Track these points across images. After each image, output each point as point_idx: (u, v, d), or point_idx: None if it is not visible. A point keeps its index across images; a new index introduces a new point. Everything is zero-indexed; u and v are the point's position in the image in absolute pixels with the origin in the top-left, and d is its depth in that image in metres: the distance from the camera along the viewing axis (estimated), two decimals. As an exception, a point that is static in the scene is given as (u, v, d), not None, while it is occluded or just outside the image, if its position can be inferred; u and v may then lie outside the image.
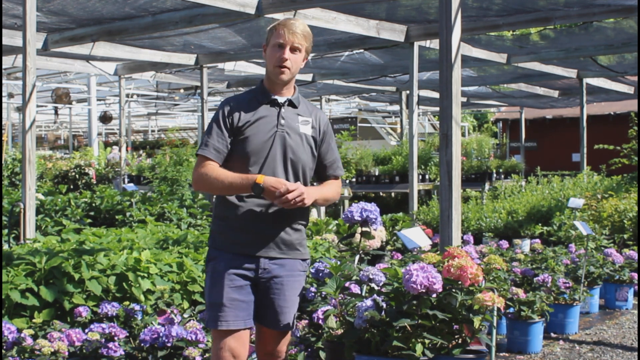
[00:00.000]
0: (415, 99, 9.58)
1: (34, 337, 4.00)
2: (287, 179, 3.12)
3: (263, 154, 3.11)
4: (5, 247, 6.30)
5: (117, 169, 14.32)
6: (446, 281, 3.18)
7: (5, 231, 6.81)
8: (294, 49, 3.11)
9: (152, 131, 30.72)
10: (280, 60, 3.09)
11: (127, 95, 19.00)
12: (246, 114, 3.12)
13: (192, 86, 16.42)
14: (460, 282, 3.17)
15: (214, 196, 3.22)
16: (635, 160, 11.63)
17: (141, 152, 23.46)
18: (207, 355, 4.09)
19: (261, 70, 12.30)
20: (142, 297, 4.83)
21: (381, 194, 15.91)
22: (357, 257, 3.94)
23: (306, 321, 4.36)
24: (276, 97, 3.17)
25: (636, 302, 7.08)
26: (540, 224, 8.99)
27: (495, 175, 14.13)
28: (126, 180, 13.56)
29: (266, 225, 3.11)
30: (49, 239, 6.04)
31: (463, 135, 24.04)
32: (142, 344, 3.89)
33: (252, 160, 3.10)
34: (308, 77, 13.76)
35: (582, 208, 8.55)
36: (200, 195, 10.08)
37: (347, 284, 3.80)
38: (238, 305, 3.06)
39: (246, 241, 3.10)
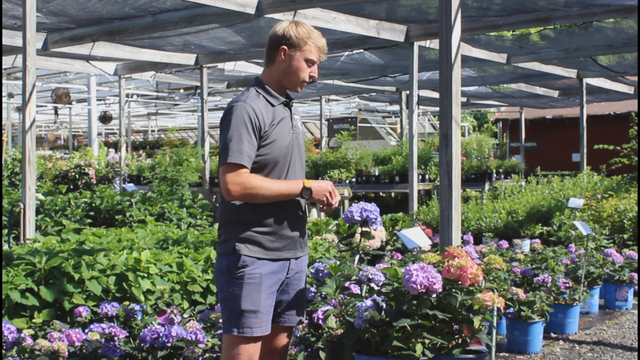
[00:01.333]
0: (415, 99, 9.58)
1: (34, 337, 4.01)
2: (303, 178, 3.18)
3: (288, 157, 3.11)
4: (5, 247, 6.31)
5: (116, 169, 14.32)
6: (446, 281, 3.18)
7: (5, 231, 6.81)
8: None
9: (152, 131, 30.71)
10: (311, 77, 3.14)
11: (127, 95, 18.99)
12: (268, 117, 3.06)
13: (192, 86, 16.42)
14: (460, 282, 3.17)
15: (230, 201, 3.11)
16: (635, 160, 11.63)
17: (141, 152, 23.47)
18: (207, 355, 4.09)
19: (261, 70, 12.30)
20: (142, 297, 4.84)
21: (381, 194, 15.91)
22: (357, 257, 3.94)
23: (306, 321, 4.36)
24: (285, 99, 3.17)
25: (636, 302, 7.07)
26: (540, 224, 8.99)
27: (495, 175, 14.12)
28: (126, 180, 13.56)
29: (293, 227, 3.12)
30: (49, 239, 6.04)
31: (463, 135, 24.04)
32: (142, 344, 3.89)
33: (280, 163, 3.07)
34: (308, 77, 13.75)
35: (582, 208, 8.55)
36: (200, 195, 10.09)
37: (347, 284, 3.81)
38: (269, 311, 3.07)
39: (281, 246, 3.09)
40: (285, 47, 3.09)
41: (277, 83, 3.15)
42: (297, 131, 3.19)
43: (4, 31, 8.81)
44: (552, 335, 5.85)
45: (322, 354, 4.09)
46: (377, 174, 14.18)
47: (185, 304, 5.07)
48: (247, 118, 2.98)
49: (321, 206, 3.11)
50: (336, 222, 8.49)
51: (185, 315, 4.65)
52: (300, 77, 3.12)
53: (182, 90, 18.52)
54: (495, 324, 3.98)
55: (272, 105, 3.10)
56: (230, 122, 2.99)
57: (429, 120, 25.67)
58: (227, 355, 3.07)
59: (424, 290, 3.11)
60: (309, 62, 3.11)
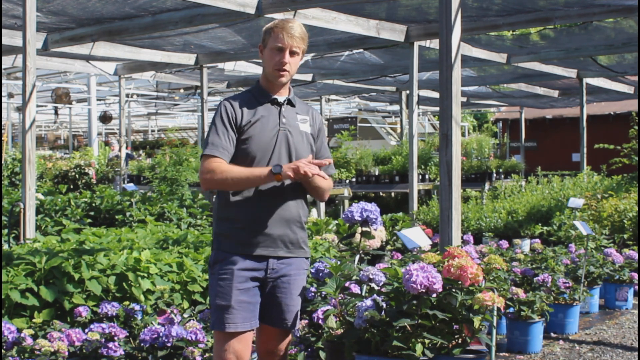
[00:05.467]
0: (415, 99, 9.58)
1: (34, 337, 4.00)
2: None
3: (268, 153, 3.13)
4: (5, 247, 6.30)
5: (117, 169, 14.32)
6: (446, 281, 3.18)
7: (5, 231, 6.80)
8: (292, 53, 3.16)
9: (152, 131, 30.73)
10: (281, 64, 3.14)
11: (127, 95, 19.00)
12: (248, 113, 3.14)
13: (192, 86, 16.43)
14: (460, 282, 3.17)
15: (214, 197, 3.20)
16: (635, 160, 11.62)
17: (141, 152, 23.46)
18: (207, 355, 4.09)
19: (261, 70, 12.29)
20: (142, 297, 4.83)
21: (381, 194, 15.92)
22: (357, 257, 3.94)
23: (306, 321, 4.36)
24: (276, 96, 3.21)
25: (636, 302, 7.07)
26: (540, 224, 8.98)
27: (495, 175, 14.12)
28: (126, 180, 13.56)
29: (273, 226, 3.13)
30: (49, 239, 6.04)
31: (463, 135, 24.04)
32: (142, 344, 3.89)
33: (257, 158, 3.12)
34: (308, 77, 13.76)
35: (582, 208, 8.55)
36: (200, 195, 10.08)
37: (347, 284, 3.80)
38: (246, 307, 3.07)
39: (255, 242, 3.11)
40: (260, 44, 3.23)
41: (266, 80, 3.23)
42: (288, 129, 3.19)
43: (4, 31, 8.81)
44: (552, 335, 5.84)
45: (322, 354, 4.09)
46: (377, 174, 14.19)
47: (185, 304, 5.07)
48: (224, 113, 3.13)
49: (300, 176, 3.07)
50: (336, 222, 8.49)
51: (185, 315, 4.65)
52: (271, 66, 3.17)
53: (182, 90, 18.53)
54: (495, 324, 3.98)
55: (258, 103, 3.18)
56: (213, 118, 3.18)
57: (429, 120, 25.67)
58: (216, 351, 3.11)
59: (424, 290, 3.11)
60: (277, 50, 3.14)
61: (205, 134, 3.22)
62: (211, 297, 3.13)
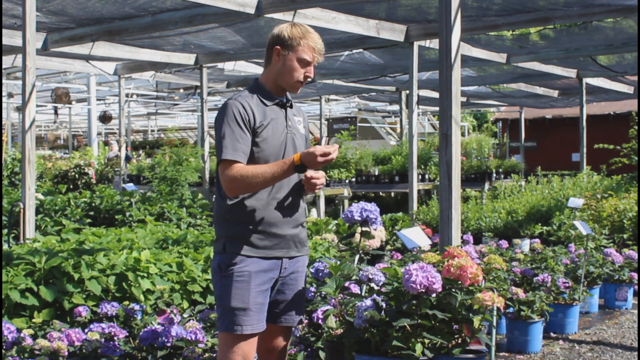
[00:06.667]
0: (415, 98, 9.58)
1: (34, 337, 4.01)
2: (298, 178, 3.18)
3: (280, 156, 3.12)
4: (5, 247, 6.30)
5: (116, 169, 14.32)
6: (446, 281, 3.18)
7: (5, 231, 6.80)
8: (313, 65, 3.19)
9: (152, 131, 30.73)
10: (306, 78, 3.15)
11: (127, 95, 19.00)
12: (259, 115, 3.10)
13: (192, 86, 16.43)
14: (460, 282, 3.17)
15: (215, 198, 3.18)
16: (635, 160, 11.62)
17: (141, 152, 23.46)
18: (207, 355, 4.09)
19: (260, 70, 12.30)
20: (141, 297, 4.84)
21: (381, 193, 15.91)
22: (357, 257, 3.94)
23: (306, 321, 4.36)
24: (280, 99, 3.20)
25: (636, 302, 7.07)
26: (540, 224, 8.98)
27: (495, 175, 14.12)
28: (126, 179, 13.57)
29: (286, 227, 3.14)
30: (49, 238, 6.04)
31: (463, 135, 24.04)
32: (142, 344, 3.89)
33: (271, 161, 3.09)
34: (308, 76, 13.74)
35: (581, 208, 8.55)
36: (200, 195, 10.08)
37: (346, 284, 3.81)
38: (260, 309, 3.08)
39: (271, 244, 3.10)
40: (278, 47, 3.13)
41: (274, 83, 3.18)
42: (294, 131, 3.20)
43: (4, 31, 8.81)
44: (552, 335, 5.84)
45: (322, 354, 4.09)
46: (377, 173, 14.18)
47: (185, 304, 5.07)
48: (237, 114, 3.04)
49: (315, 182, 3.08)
50: (336, 221, 8.49)
51: (185, 315, 4.65)
52: (294, 77, 3.14)
53: (182, 90, 18.53)
54: (495, 324, 3.99)
55: (265, 105, 3.14)
56: (223, 119, 3.06)
57: (429, 120, 25.67)
58: (222, 353, 3.09)
59: (423, 290, 3.11)
60: (303, 62, 3.12)
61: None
62: (222, 299, 3.07)
